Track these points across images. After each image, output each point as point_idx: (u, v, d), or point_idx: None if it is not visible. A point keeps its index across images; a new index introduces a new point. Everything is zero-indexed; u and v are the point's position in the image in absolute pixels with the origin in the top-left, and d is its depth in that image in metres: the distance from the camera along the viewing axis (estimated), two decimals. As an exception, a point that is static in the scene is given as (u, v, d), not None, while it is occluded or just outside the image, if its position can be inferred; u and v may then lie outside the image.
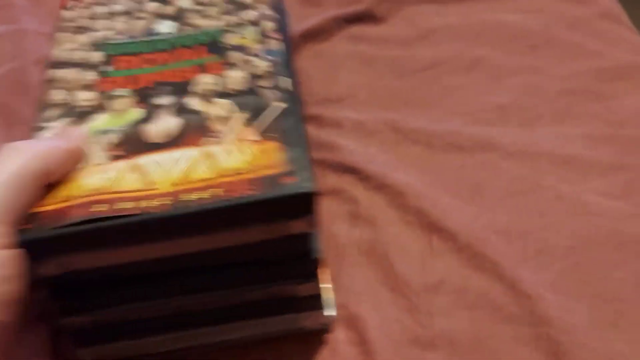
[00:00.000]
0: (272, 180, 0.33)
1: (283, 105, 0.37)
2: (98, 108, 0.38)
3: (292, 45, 0.49)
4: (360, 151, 0.51)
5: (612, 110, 0.55)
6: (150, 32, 0.43)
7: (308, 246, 0.35)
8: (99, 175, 0.34)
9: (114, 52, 0.42)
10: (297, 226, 0.33)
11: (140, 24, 0.44)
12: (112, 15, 0.45)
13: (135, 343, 0.38)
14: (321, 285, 0.38)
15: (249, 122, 0.36)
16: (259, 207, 0.32)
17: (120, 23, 0.44)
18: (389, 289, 0.43)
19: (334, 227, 0.47)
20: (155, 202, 0.32)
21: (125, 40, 0.42)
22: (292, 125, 0.36)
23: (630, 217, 0.46)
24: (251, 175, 0.33)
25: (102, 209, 0.32)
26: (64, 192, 0.33)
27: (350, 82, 0.58)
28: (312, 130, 0.53)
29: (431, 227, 0.46)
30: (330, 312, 0.40)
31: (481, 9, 0.64)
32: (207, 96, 0.38)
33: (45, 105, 0.38)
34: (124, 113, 0.38)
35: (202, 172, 0.33)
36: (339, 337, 0.41)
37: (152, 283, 0.35)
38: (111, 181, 0.33)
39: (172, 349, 0.39)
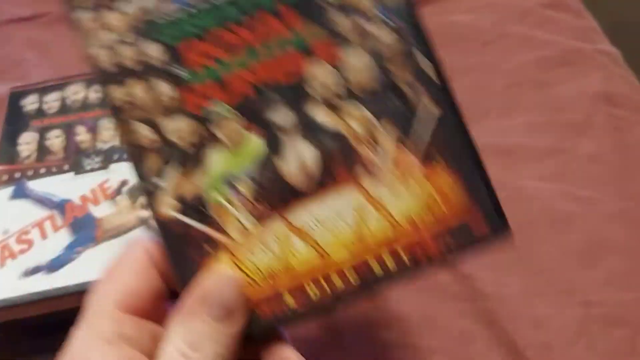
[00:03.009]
0: (461, 232, 0.28)
1: (436, 110, 0.29)
2: (204, 142, 0.28)
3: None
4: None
5: (552, 97, 0.61)
6: None
7: None
8: (260, 250, 0.28)
9: (171, 38, 0.29)
10: None
11: None
12: None
13: None
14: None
15: (401, 140, 0.28)
16: (451, 258, 0.28)
17: None
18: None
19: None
20: (339, 281, 0.28)
21: (178, 14, 0.29)
22: (458, 140, 0.28)
23: (561, 196, 0.53)
24: (435, 228, 0.28)
25: (293, 304, 0.28)
26: (223, 264, 0.28)
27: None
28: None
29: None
30: None
31: (434, 12, 0.70)
32: (331, 102, 0.29)
33: (136, 152, 0.28)
34: (239, 145, 0.28)
35: (374, 227, 0.28)
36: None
37: None
38: (278, 257, 0.28)
39: None
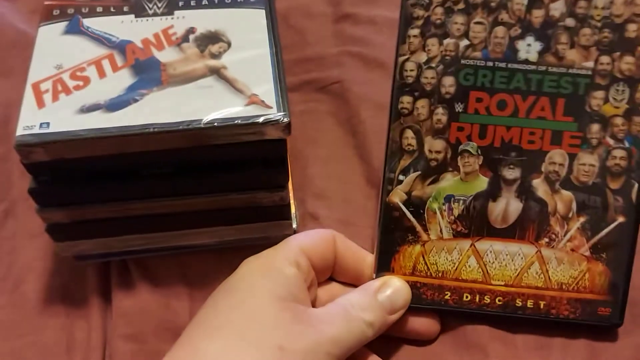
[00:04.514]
0: (590, 306, 0.36)
1: (621, 219, 0.36)
2: (446, 165, 0.37)
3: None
4: (393, 47, 0.54)
5: None
6: (510, 52, 0.35)
7: (284, 153, 0.38)
8: (444, 255, 0.37)
9: (467, 81, 0.36)
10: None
11: (500, 34, 0.35)
12: (469, 9, 0.35)
13: (111, 240, 0.41)
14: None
15: (584, 231, 0.36)
16: (565, 325, 0.37)
17: (479, 28, 0.35)
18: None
19: (363, 114, 0.50)
20: (488, 299, 0.37)
21: (482, 64, 0.35)
22: (625, 248, 0.36)
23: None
24: (572, 295, 0.36)
25: (448, 299, 0.37)
26: (411, 260, 0.37)
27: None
28: (348, 27, 0.56)
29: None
30: (294, 224, 0.43)
31: None
32: (553, 182, 0.36)
33: (397, 150, 0.37)
34: (470, 179, 0.36)
35: (533, 277, 0.36)
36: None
37: (129, 184, 0.38)
38: (454, 265, 0.37)
39: (144, 249, 0.42)
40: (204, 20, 0.41)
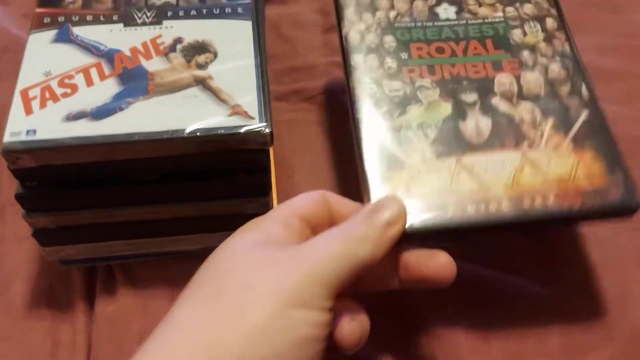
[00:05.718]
0: (599, 192, 0.35)
1: (586, 112, 0.38)
2: (408, 99, 0.39)
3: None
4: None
5: (625, 22, 0.57)
6: (432, 15, 0.42)
7: (266, 162, 0.39)
8: (434, 176, 0.36)
9: (404, 37, 0.41)
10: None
11: (420, 6, 0.43)
12: None
13: (96, 246, 0.41)
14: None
15: (558, 130, 0.37)
16: (588, 216, 0.36)
17: (401, 2, 0.43)
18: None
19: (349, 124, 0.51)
20: (494, 206, 0.35)
21: (412, 25, 0.42)
22: (601, 134, 0.37)
23: (630, 120, 0.50)
24: (579, 184, 0.35)
25: (452, 214, 0.35)
26: (402, 186, 0.36)
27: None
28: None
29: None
30: None
31: None
32: (509, 97, 0.39)
33: (359, 96, 0.39)
34: (434, 107, 0.39)
35: (529, 178, 0.36)
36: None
37: (115, 190, 0.38)
38: (446, 182, 0.36)
39: (129, 254, 0.43)
40: (191, 30, 0.42)
